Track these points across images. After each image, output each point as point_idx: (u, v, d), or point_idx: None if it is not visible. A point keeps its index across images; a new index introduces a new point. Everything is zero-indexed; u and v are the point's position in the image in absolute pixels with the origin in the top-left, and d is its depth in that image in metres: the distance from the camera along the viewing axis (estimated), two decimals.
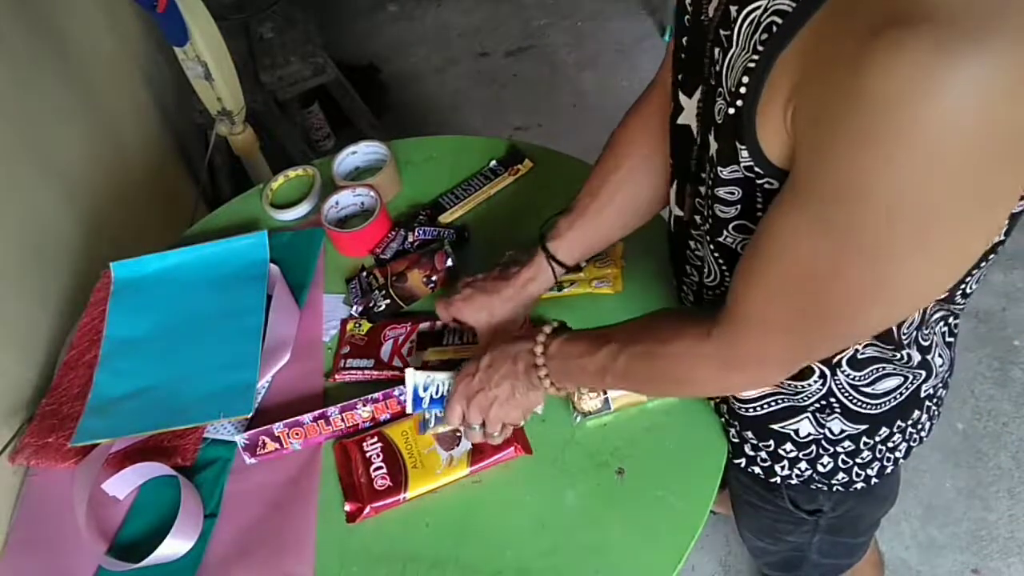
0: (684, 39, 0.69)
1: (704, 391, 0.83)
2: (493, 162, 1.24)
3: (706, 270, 0.74)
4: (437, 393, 0.87)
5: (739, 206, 0.63)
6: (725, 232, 0.67)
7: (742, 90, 0.56)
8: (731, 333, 0.63)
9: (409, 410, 0.88)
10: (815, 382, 0.76)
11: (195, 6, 1.42)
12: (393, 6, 3.12)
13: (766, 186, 0.59)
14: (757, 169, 0.57)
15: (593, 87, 2.65)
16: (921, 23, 0.41)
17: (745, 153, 0.57)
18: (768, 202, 0.60)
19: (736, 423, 0.86)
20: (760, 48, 0.53)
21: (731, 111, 0.58)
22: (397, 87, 2.80)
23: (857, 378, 0.75)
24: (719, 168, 0.62)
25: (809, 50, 0.50)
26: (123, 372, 1.04)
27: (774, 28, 0.52)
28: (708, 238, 0.70)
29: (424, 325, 1.03)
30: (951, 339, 0.80)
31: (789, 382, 0.77)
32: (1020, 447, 1.70)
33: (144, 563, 0.86)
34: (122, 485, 0.94)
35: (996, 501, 1.64)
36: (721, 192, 0.63)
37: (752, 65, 0.54)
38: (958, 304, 0.72)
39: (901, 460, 0.85)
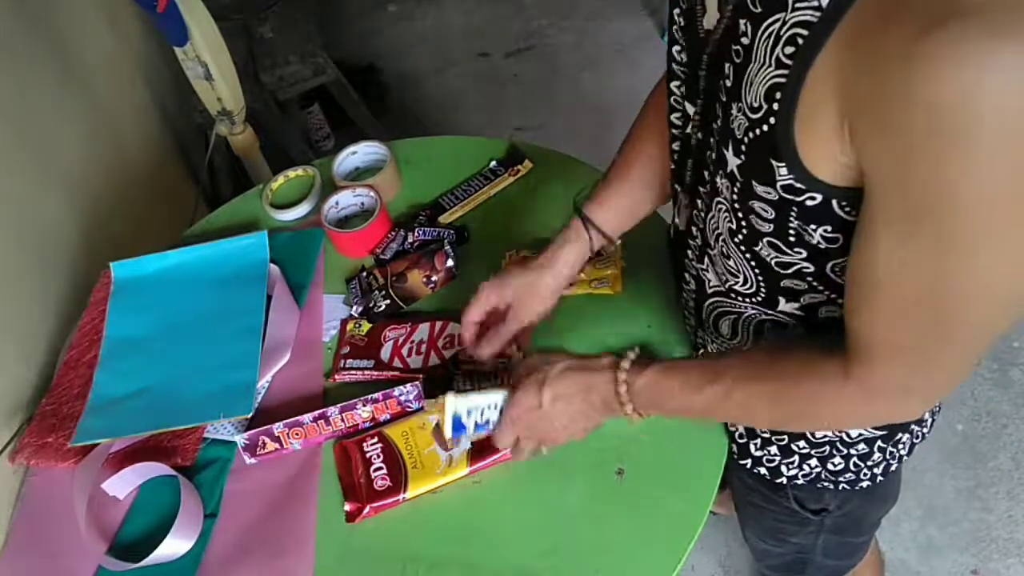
0: (676, 49, 0.69)
1: (841, 426, 0.79)
2: (493, 162, 1.24)
3: (741, 278, 0.72)
4: (482, 418, 0.84)
5: (772, 224, 0.62)
6: (760, 244, 0.65)
7: (774, 106, 0.54)
8: (869, 369, 0.60)
9: (448, 435, 0.84)
10: None
11: (195, 6, 1.42)
12: (393, 6, 3.12)
13: (807, 202, 0.57)
14: (798, 185, 0.56)
15: (593, 87, 2.65)
16: (969, 17, 0.41)
17: (784, 170, 0.56)
18: (806, 218, 0.59)
19: None
20: (788, 62, 0.52)
21: (764, 128, 0.56)
22: (397, 87, 2.80)
23: None
24: (753, 183, 0.60)
25: (846, 60, 0.48)
26: (123, 372, 1.04)
27: (799, 40, 0.51)
28: (743, 249, 0.68)
29: (435, 330, 1.02)
30: None
31: None
32: (1019, 448, 1.70)
33: (144, 563, 0.86)
34: (122, 485, 0.94)
35: (995, 502, 1.64)
36: (755, 206, 0.62)
37: (781, 81, 0.53)
38: None
39: (905, 457, 0.85)
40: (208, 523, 0.91)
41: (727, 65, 0.59)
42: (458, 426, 0.83)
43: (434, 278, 1.08)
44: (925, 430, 0.85)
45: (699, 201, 0.72)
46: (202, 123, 2.00)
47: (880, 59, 0.45)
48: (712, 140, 0.66)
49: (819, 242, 0.60)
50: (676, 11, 0.68)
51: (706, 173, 0.69)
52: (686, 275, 0.82)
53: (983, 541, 1.59)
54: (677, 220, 0.80)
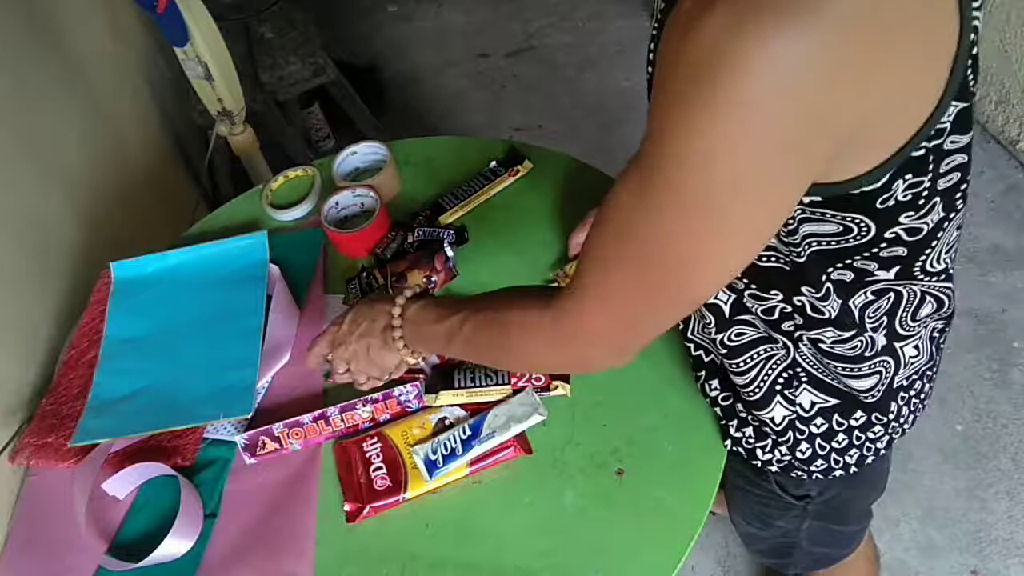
0: None
1: (534, 365, 0.82)
2: (493, 163, 1.24)
3: None
4: (447, 450, 0.89)
5: None
6: None
7: (650, 56, 0.59)
8: (566, 305, 0.63)
9: (427, 480, 0.88)
10: (779, 349, 0.78)
11: (195, 6, 1.42)
12: (393, 7, 3.13)
13: None
14: None
15: (593, 88, 2.65)
16: None
17: None
18: None
19: (730, 395, 0.88)
20: (659, 17, 0.56)
21: (647, 79, 0.61)
22: (397, 87, 2.80)
23: (821, 352, 0.77)
24: None
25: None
26: (123, 372, 1.04)
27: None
28: None
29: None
30: (938, 335, 0.81)
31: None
32: (1019, 449, 1.70)
33: (144, 563, 0.86)
34: (122, 485, 0.94)
35: (995, 502, 1.64)
36: None
37: (654, 33, 0.57)
38: (922, 281, 0.71)
39: (883, 451, 0.86)
40: (208, 523, 0.91)
41: None
42: (431, 466, 0.88)
43: (434, 278, 1.08)
44: (906, 425, 0.85)
45: None
46: (202, 123, 2.00)
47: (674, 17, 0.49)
48: None
49: None
50: None
51: None
52: None
53: (983, 541, 1.59)
54: None
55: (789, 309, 0.74)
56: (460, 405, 0.94)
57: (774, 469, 0.88)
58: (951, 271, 0.73)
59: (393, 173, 1.23)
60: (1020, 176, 2.14)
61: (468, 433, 0.90)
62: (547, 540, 0.84)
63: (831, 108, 0.47)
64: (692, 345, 0.90)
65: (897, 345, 0.76)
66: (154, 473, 0.95)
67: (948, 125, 0.56)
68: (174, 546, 0.87)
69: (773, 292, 0.73)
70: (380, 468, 0.90)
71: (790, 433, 0.83)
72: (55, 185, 1.34)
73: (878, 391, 0.79)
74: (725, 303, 0.79)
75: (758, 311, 0.77)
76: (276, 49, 2.13)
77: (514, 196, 1.20)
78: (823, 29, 0.43)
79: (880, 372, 0.77)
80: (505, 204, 1.20)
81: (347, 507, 0.89)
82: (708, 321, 0.81)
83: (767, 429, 0.84)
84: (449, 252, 1.09)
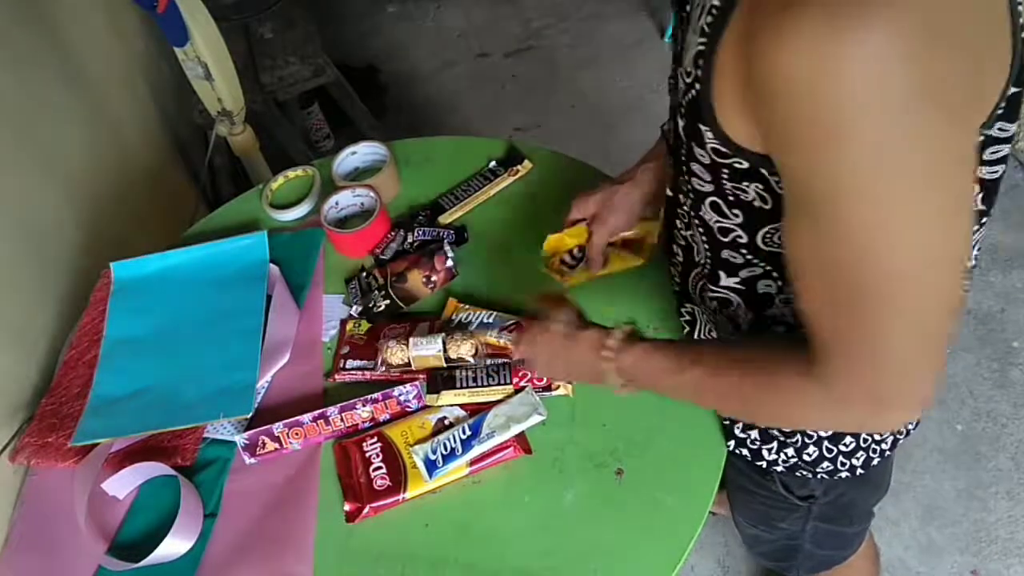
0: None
1: (815, 428, 0.79)
2: (492, 163, 1.24)
3: (695, 248, 0.74)
4: (447, 450, 0.89)
5: (712, 185, 0.64)
6: (703, 207, 0.68)
7: (698, 72, 0.57)
8: (829, 370, 0.57)
9: (427, 479, 0.88)
10: None
11: (195, 7, 1.42)
12: (393, 7, 3.12)
13: (735, 165, 0.59)
14: (723, 149, 0.58)
15: (592, 88, 2.65)
16: (810, 4, 0.43)
17: (710, 134, 0.59)
18: (736, 180, 0.61)
19: None
20: (707, 31, 0.55)
21: (693, 93, 0.59)
22: (396, 87, 2.80)
23: None
24: (693, 145, 0.63)
25: (744, 37, 0.51)
26: (123, 372, 1.04)
27: (715, 12, 0.54)
28: (692, 213, 0.70)
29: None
30: None
31: None
32: (1019, 448, 1.70)
33: (144, 563, 0.86)
34: (122, 485, 0.94)
35: (995, 502, 1.64)
36: (696, 168, 0.64)
37: (702, 48, 0.56)
38: None
39: (888, 452, 0.85)
40: (208, 523, 0.91)
41: (680, 30, 0.63)
42: (431, 466, 0.88)
43: (433, 278, 1.08)
44: (910, 425, 0.85)
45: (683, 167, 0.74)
46: (202, 123, 2.00)
47: (751, 41, 0.48)
48: None
49: (754, 199, 0.62)
50: None
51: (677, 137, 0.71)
52: (674, 246, 0.83)
53: (983, 541, 1.60)
54: (669, 189, 0.81)
55: None
56: (460, 405, 0.94)
57: (779, 469, 0.88)
58: (973, 269, 0.72)
59: (393, 173, 1.23)
60: (1020, 176, 2.14)
61: (468, 433, 0.90)
62: (546, 540, 0.85)
63: (943, 80, 0.45)
64: None
65: None
66: (154, 473, 0.95)
67: (1001, 110, 0.54)
68: (174, 546, 0.87)
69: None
70: (380, 468, 0.90)
71: (797, 435, 0.83)
72: (55, 185, 1.34)
73: None
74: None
75: (788, 314, 0.73)
76: (276, 49, 2.13)
77: (513, 196, 1.20)
78: (905, 16, 0.42)
79: None
80: (504, 204, 1.20)
81: (347, 507, 0.89)
82: (720, 322, 0.81)
83: (773, 431, 0.84)
84: (449, 252, 1.09)
